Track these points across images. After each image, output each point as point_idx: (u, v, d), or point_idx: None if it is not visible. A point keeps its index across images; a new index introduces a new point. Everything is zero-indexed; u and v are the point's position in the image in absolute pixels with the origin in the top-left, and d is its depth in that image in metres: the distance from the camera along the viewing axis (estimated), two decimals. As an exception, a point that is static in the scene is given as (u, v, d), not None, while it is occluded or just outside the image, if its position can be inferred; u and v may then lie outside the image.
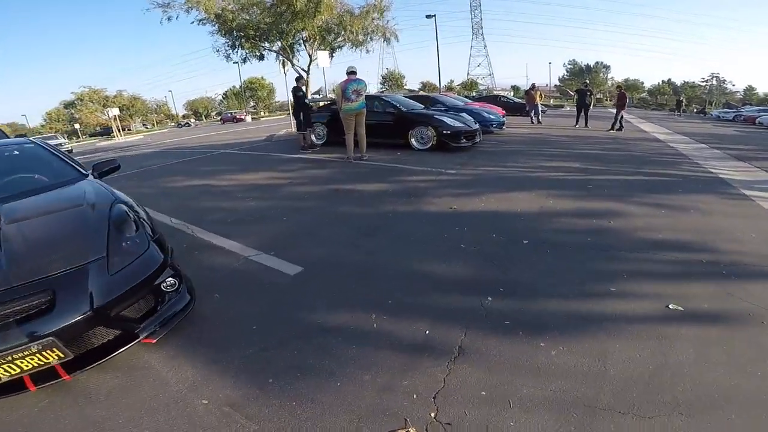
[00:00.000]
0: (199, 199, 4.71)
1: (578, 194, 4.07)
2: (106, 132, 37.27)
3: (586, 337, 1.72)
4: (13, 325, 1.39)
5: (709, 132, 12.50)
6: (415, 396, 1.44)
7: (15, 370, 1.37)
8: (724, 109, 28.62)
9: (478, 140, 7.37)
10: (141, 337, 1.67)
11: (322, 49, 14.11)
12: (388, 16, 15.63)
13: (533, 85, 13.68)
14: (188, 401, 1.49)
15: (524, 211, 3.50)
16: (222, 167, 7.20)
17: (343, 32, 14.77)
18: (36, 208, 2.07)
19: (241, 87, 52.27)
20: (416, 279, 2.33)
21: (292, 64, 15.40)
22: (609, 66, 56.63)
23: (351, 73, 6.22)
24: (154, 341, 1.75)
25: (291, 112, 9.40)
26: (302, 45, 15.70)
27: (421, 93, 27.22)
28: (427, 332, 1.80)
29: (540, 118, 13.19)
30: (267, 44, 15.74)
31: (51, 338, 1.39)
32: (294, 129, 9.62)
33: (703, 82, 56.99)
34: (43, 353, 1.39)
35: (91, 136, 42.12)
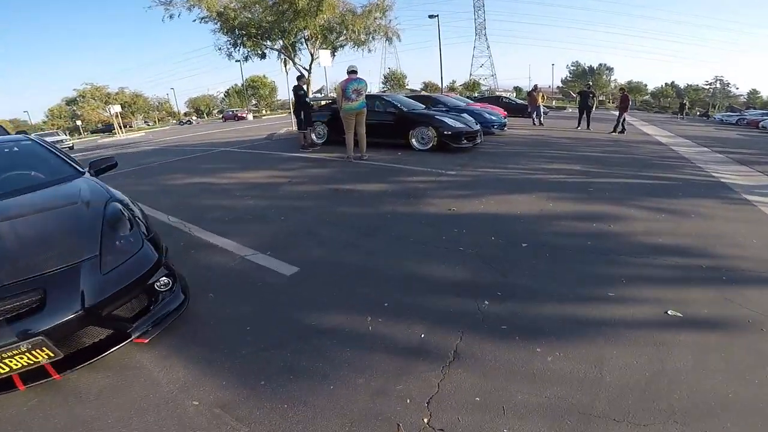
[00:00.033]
0: (198, 198, 4.70)
1: (579, 197, 4.05)
2: (107, 129, 37.32)
3: (583, 342, 1.70)
4: (2, 323, 1.38)
5: (711, 135, 12.45)
6: (408, 401, 1.42)
7: (4, 368, 1.36)
8: (728, 113, 28.46)
9: (479, 141, 7.34)
10: (133, 337, 1.66)
11: (323, 48, 14.09)
12: (390, 15, 15.62)
13: (535, 87, 13.64)
14: (179, 402, 1.47)
15: (524, 214, 3.48)
16: (222, 165, 7.18)
17: (345, 31, 14.76)
18: (30, 205, 2.06)
19: (243, 85, 52.28)
20: (414, 281, 2.31)
21: (294, 63, 15.40)
22: (612, 68, 56.50)
23: (351, 72, 6.19)
24: (147, 341, 1.74)
25: (292, 110, 9.38)
26: (304, 44, 15.70)
27: (423, 93, 27.20)
28: (423, 336, 1.78)
29: (542, 119, 13.16)
30: (269, 43, 15.74)
31: (40, 337, 1.37)
32: (295, 128, 9.60)
33: (706, 85, 56.85)
34: (33, 352, 1.38)
35: (93, 132, 42.20)
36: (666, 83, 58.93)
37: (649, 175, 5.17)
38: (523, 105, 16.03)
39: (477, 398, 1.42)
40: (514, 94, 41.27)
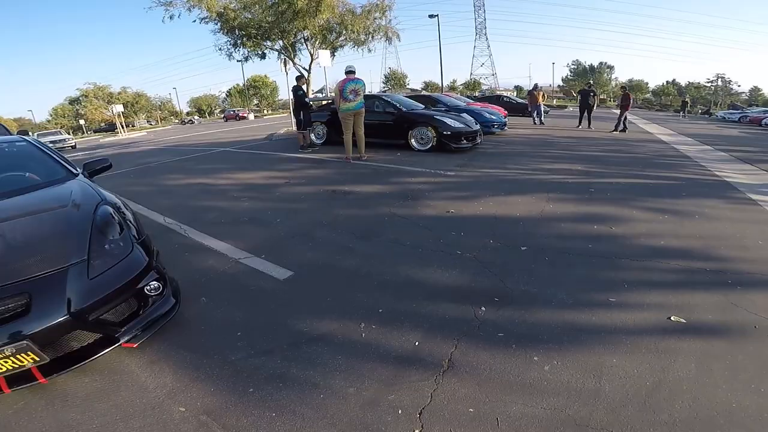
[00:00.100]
0: (195, 198, 4.67)
1: (580, 198, 3.99)
2: (110, 128, 37.45)
3: (582, 350, 1.65)
4: None
5: (714, 133, 12.34)
6: (400, 411, 1.38)
7: (-11, 372, 1.34)
8: (730, 110, 28.18)
9: (478, 141, 7.28)
10: (121, 341, 1.64)
11: (323, 49, 14.06)
12: (390, 15, 15.57)
13: (536, 86, 13.55)
14: (165, 408, 1.45)
15: (523, 216, 3.42)
16: (220, 165, 7.16)
17: (344, 32, 14.73)
18: (20, 208, 2.03)
19: (244, 85, 52.31)
20: (409, 286, 2.26)
21: (294, 63, 15.37)
22: (613, 66, 56.17)
23: (349, 72, 6.14)
24: (136, 345, 1.71)
25: (292, 110, 9.35)
26: (304, 44, 15.67)
27: (423, 93, 27.09)
28: (417, 343, 1.74)
29: (542, 118, 13.06)
30: (269, 43, 15.73)
31: (25, 342, 1.37)
32: (294, 128, 9.57)
33: (708, 82, 56.50)
34: (18, 356, 1.38)
35: (95, 131, 42.37)
36: (667, 81, 58.67)
37: (652, 175, 5.10)
38: (524, 104, 15.93)
39: (471, 409, 1.37)
40: (515, 93, 41.16)
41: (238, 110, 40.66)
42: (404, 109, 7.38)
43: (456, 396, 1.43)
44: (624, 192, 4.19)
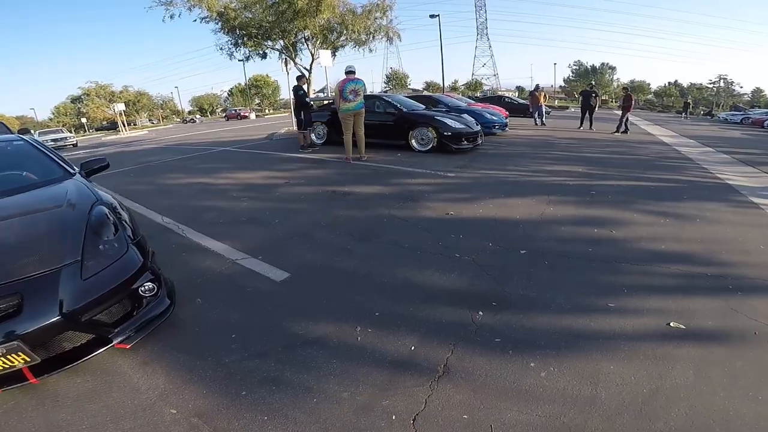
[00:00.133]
0: (194, 198, 4.66)
1: (580, 201, 3.96)
2: (112, 126, 37.58)
3: (579, 357, 1.63)
4: None
5: (716, 135, 12.29)
6: (393, 417, 1.36)
7: (-21, 372, 1.33)
8: (732, 112, 28.02)
9: (479, 142, 7.26)
10: (114, 342, 1.63)
11: (324, 48, 14.05)
12: (391, 15, 15.55)
13: (537, 86, 13.52)
14: (156, 410, 1.44)
15: (523, 219, 3.40)
16: (220, 165, 7.15)
17: (345, 31, 14.71)
18: (15, 208, 2.02)
19: (246, 84, 52.34)
20: (407, 289, 2.24)
21: (295, 63, 15.37)
22: (615, 67, 56.02)
23: (349, 72, 6.12)
24: (129, 346, 1.71)
25: (292, 110, 9.34)
26: (304, 44, 15.66)
27: (425, 93, 27.06)
28: (413, 348, 1.72)
29: (544, 119, 13.03)
30: (270, 43, 15.73)
31: (16, 342, 1.36)
32: (295, 127, 9.56)
33: (710, 83, 56.28)
34: (8, 357, 1.38)
35: (97, 130, 42.49)
36: (669, 82, 58.47)
37: (653, 177, 5.07)
38: (526, 105, 15.89)
39: (465, 416, 1.35)
40: (517, 94, 41.08)
41: (239, 109, 40.70)
42: (405, 110, 7.36)
43: (450, 402, 1.41)
44: (625, 195, 4.17)
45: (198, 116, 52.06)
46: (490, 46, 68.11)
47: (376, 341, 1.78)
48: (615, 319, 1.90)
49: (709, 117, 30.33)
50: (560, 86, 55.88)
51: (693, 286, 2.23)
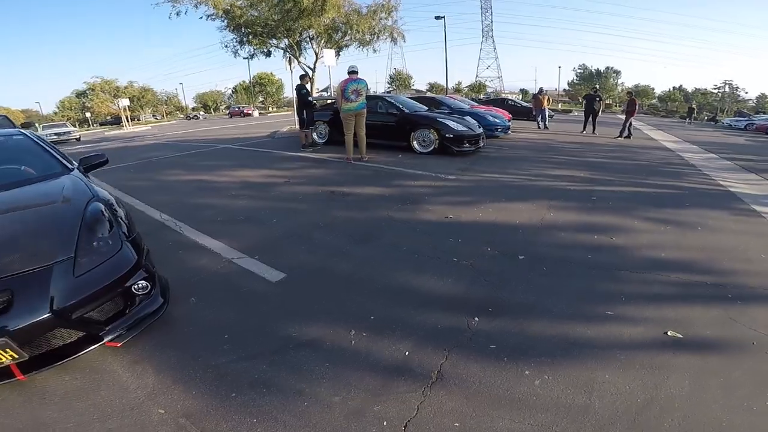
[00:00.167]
0: (193, 195, 4.65)
1: (581, 206, 3.93)
2: (116, 121, 37.66)
3: (574, 365, 1.61)
4: None
5: (719, 141, 12.23)
6: (384, 423, 1.34)
7: (-33, 368, 1.32)
8: (736, 117, 27.86)
9: (481, 145, 7.24)
10: (105, 340, 1.62)
11: (328, 48, 14.05)
12: (396, 16, 15.54)
13: (541, 90, 13.49)
14: (144, 409, 1.43)
15: (523, 224, 3.37)
16: (221, 162, 7.15)
17: (349, 31, 14.71)
18: (10, 203, 2.01)
19: (250, 82, 52.43)
20: (403, 293, 2.22)
21: (299, 62, 15.38)
22: (620, 71, 55.75)
23: (352, 72, 6.11)
24: (120, 345, 1.69)
25: (295, 109, 9.35)
26: (309, 43, 15.67)
27: (428, 94, 27.02)
28: (407, 353, 1.70)
29: (547, 123, 12.98)
30: (274, 41, 15.74)
31: (4, 339, 1.35)
32: (297, 126, 9.56)
33: (715, 89, 55.97)
34: None
35: (101, 125, 42.62)
36: (674, 87, 58.18)
37: (655, 184, 5.04)
38: (529, 108, 15.85)
39: (456, 423, 1.33)
40: (520, 97, 41.02)
41: (243, 107, 40.82)
42: (407, 111, 7.34)
43: (443, 409, 1.39)
44: (626, 201, 4.14)
45: (202, 113, 52.16)
46: (495, 49, 68.11)
47: (371, 345, 1.76)
48: (612, 327, 1.88)
49: (713, 123, 30.15)
50: (564, 89, 55.71)
51: (692, 294, 2.21)
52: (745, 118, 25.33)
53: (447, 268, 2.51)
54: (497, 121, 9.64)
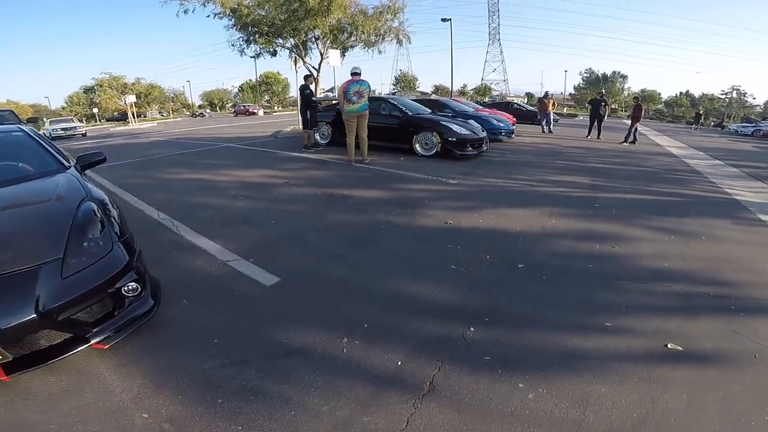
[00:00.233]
0: (192, 194, 4.64)
1: (583, 214, 3.88)
2: (122, 117, 37.93)
3: (570, 378, 1.57)
4: None
5: (725, 147, 12.11)
6: (372, 436, 1.31)
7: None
8: (743, 123, 27.47)
9: (484, 149, 7.19)
10: (92, 342, 1.60)
11: (333, 48, 14.07)
12: (402, 17, 15.54)
13: (546, 93, 13.40)
14: (128, 413, 1.40)
15: (524, 231, 3.32)
16: (223, 161, 7.15)
17: (355, 32, 14.71)
18: (3, 200, 2.00)
19: (256, 81, 52.63)
20: (398, 300, 2.18)
21: (304, 62, 15.41)
22: (626, 76, 55.40)
23: (355, 74, 6.08)
24: (107, 347, 1.67)
25: (299, 109, 9.35)
26: (314, 43, 15.70)
27: (433, 96, 26.98)
28: (400, 363, 1.66)
29: (551, 127, 12.90)
30: (280, 40, 15.78)
31: None
32: (300, 126, 9.56)
33: (722, 94, 55.41)
34: None
35: (108, 120, 42.95)
36: (680, 92, 57.66)
37: (659, 191, 4.97)
38: (534, 112, 15.75)
39: (447, 438, 1.30)
40: (526, 100, 40.83)
41: (248, 105, 40.99)
42: (410, 113, 7.30)
43: (433, 422, 1.36)
44: (629, 209, 4.08)
45: (207, 111, 52.42)
46: (502, 52, 67.94)
47: (363, 354, 1.72)
48: (611, 339, 1.84)
49: (719, 128, 29.85)
50: (570, 94, 55.43)
51: (694, 306, 2.16)
52: (752, 124, 25.02)
53: (444, 275, 2.47)
54: (501, 124, 9.59)
